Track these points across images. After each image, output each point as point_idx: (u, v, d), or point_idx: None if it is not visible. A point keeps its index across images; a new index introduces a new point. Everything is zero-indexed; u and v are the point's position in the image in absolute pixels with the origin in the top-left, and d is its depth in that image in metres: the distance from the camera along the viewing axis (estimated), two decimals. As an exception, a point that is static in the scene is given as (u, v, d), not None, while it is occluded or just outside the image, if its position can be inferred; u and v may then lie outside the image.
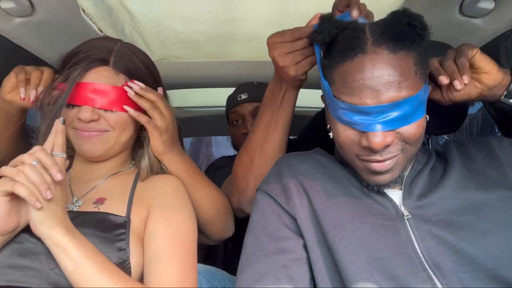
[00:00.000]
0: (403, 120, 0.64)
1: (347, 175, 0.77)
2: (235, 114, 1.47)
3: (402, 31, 0.65)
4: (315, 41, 0.72)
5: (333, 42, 0.69)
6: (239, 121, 1.47)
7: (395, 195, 0.73)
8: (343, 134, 0.69)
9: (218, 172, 1.46)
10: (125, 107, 0.83)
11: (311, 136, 1.38)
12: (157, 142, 0.90)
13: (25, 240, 0.73)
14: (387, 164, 0.67)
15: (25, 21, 0.96)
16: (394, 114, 0.63)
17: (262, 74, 1.50)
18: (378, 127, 0.63)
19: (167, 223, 0.81)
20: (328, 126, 0.77)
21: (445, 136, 4.04)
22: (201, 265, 1.33)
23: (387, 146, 0.65)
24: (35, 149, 0.68)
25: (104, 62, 0.83)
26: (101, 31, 1.16)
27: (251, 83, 1.51)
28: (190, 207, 0.88)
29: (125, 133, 0.87)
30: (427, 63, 0.69)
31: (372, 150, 0.65)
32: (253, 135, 0.97)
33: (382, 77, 0.62)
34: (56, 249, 0.66)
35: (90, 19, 1.10)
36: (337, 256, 0.65)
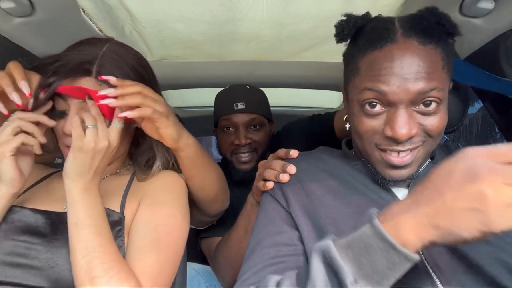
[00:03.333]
0: (429, 112, 0.65)
1: (351, 171, 0.77)
2: (228, 122, 1.42)
3: (431, 27, 0.65)
4: (341, 40, 0.72)
5: (359, 33, 0.69)
6: (230, 129, 1.43)
7: (401, 192, 0.72)
8: (367, 124, 0.68)
9: None
10: (121, 114, 0.74)
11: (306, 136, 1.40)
12: (169, 128, 0.80)
13: (25, 240, 0.74)
14: (406, 159, 0.66)
15: (25, 21, 0.96)
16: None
17: (262, 74, 1.50)
18: (405, 116, 0.63)
19: (151, 215, 0.80)
20: (345, 117, 0.78)
21: (445, 136, 4.04)
22: (200, 265, 1.34)
23: (411, 137, 0.65)
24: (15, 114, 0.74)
25: (86, 72, 0.77)
26: (101, 31, 1.16)
27: (244, 88, 1.46)
28: (182, 202, 0.87)
29: (121, 147, 0.84)
30: (452, 63, 0.69)
31: (395, 141, 0.65)
32: (234, 233, 1.05)
33: (411, 67, 0.62)
34: (69, 200, 0.72)
35: (90, 19, 1.10)
36: None
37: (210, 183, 0.96)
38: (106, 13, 1.09)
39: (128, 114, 0.73)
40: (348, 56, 0.73)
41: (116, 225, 0.78)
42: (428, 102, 0.64)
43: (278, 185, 0.79)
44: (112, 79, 0.74)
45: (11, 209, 0.77)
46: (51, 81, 0.75)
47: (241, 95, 1.44)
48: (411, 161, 0.67)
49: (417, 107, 0.65)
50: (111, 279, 0.66)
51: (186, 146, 0.86)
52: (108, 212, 0.78)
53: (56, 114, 0.79)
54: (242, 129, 1.40)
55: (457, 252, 0.63)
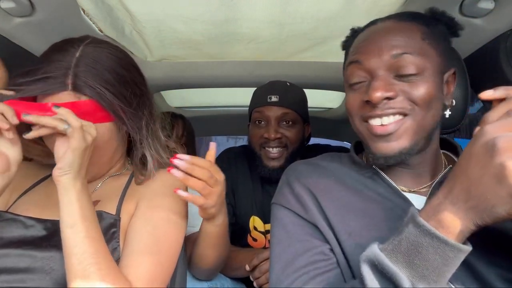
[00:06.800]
0: (410, 80, 0.67)
1: (363, 180, 0.75)
2: (260, 114, 1.39)
3: (411, 13, 0.73)
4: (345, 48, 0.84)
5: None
6: (262, 123, 1.39)
7: (418, 200, 0.70)
8: (351, 99, 0.73)
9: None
10: (179, 191, 0.78)
11: None
12: (206, 214, 0.86)
13: (24, 244, 0.73)
14: (390, 128, 0.67)
15: (25, 21, 0.96)
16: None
17: (262, 74, 1.50)
18: (381, 80, 0.67)
19: (148, 219, 0.79)
20: None
21: (446, 137, 4.03)
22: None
23: (389, 99, 0.66)
24: None
25: (61, 86, 0.72)
26: (101, 31, 1.16)
27: (282, 83, 1.42)
28: (180, 206, 0.85)
29: (117, 150, 0.83)
30: (445, 43, 0.72)
31: (373, 106, 0.67)
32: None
33: (385, 36, 0.69)
34: (66, 200, 0.69)
35: (90, 19, 1.09)
36: (352, 264, 0.64)
37: (210, 259, 0.97)
38: (106, 13, 1.09)
39: (181, 193, 0.78)
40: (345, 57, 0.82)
41: (111, 227, 0.77)
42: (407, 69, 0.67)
43: (292, 195, 0.76)
44: (186, 158, 0.78)
45: (5, 216, 0.77)
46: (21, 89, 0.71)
47: (277, 88, 1.39)
48: (395, 130, 0.67)
49: (396, 75, 0.67)
50: (107, 285, 0.65)
51: (213, 225, 0.90)
52: (103, 215, 0.78)
53: None
54: (274, 122, 1.36)
55: (471, 267, 0.61)
